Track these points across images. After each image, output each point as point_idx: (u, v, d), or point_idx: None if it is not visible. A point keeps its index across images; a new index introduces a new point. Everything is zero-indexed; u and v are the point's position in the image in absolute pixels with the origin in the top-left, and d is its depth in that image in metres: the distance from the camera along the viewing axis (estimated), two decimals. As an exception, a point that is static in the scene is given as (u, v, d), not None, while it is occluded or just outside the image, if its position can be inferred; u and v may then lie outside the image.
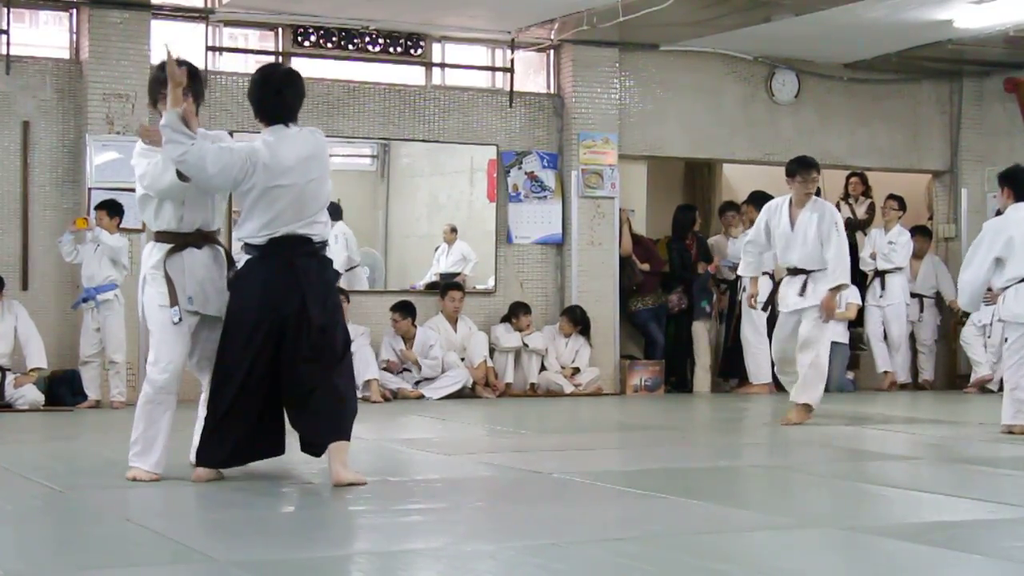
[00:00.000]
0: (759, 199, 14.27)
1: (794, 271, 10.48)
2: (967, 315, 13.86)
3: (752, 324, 14.00)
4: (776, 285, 14.60)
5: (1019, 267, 9.38)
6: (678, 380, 14.52)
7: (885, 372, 14.76)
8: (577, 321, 13.83)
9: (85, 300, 11.90)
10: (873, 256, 14.71)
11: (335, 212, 14.36)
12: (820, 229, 10.30)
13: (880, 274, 14.75)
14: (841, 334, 14.04)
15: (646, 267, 14.51)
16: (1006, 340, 9.68)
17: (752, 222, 14.16)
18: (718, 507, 6.23)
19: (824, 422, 10.49)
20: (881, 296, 14.73)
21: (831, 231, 10.28)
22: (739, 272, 11.70)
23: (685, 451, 9.00)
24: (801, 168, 10.48)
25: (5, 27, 12.29)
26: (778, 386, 14.22)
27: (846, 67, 15.39)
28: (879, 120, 15.62)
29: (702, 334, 14.35)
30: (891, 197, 14.94)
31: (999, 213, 10.14)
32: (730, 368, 14.50)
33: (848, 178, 15.64)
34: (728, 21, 13.27)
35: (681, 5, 12.14)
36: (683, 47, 14.49)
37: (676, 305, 14.56)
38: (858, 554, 5.12)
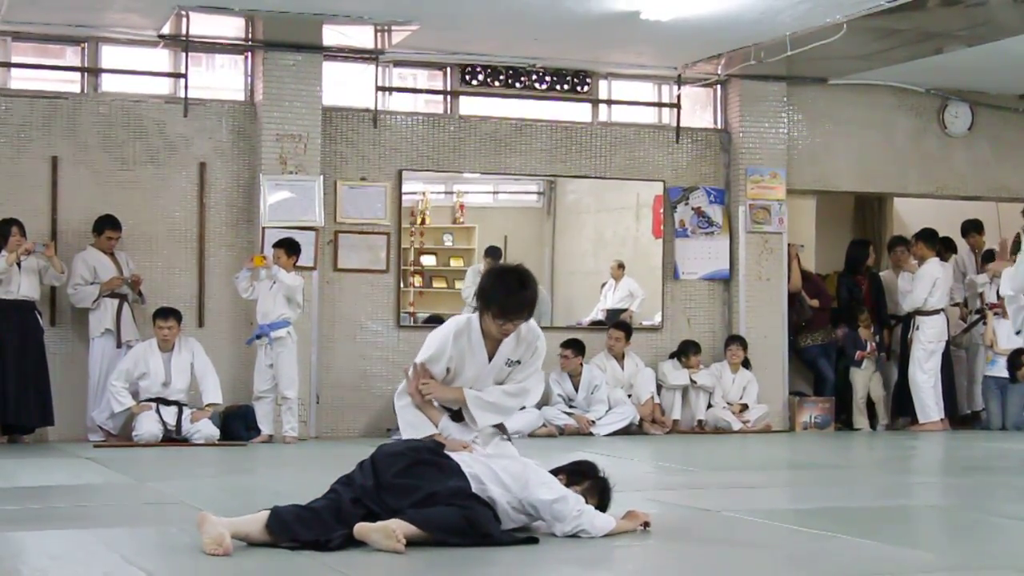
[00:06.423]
0: (929, 237, 14.03)
1: None
2: None
3: (918, 363, 13.72)
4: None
5: None
6: (848, 417, 14.28)
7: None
8: (746, 347, 13.71)
9: (259, 337, 12.10)
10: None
11: (495, 254, 14.42)
12: None
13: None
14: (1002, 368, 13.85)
15: (815, 303, 14.34)
16: None
17: (922, 259, 13.93)
18: (892, 548, 6.11)
19: (1000, 462, 10.24)
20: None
21: None
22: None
23: (857, 490, 8.84)
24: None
25: (184, 71, 12.64)
26: (953, 423, 13.99)
27: (1021, 98, 15.06)
28: (1056, 153, 15.25)
29: (857, 377, 14.15)
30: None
31: None
32: (903, 406, 14.22)
33: (1024, 212, 15.26)
34: (898, 54, 13.09)
35: (850, 38, 12.01)
36: (852, 80, 14.34)
37: (845, 340, 14.37)
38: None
